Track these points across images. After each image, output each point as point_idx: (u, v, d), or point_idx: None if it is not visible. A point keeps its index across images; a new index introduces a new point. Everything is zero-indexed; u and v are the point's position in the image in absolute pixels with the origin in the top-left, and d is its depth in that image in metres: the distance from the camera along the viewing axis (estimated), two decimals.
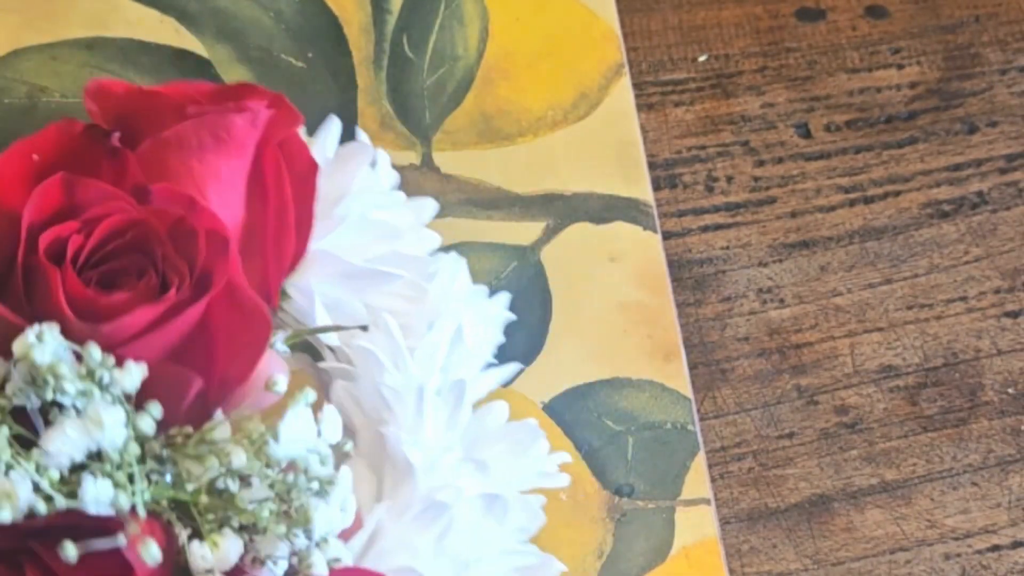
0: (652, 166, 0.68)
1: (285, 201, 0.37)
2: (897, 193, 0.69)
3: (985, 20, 0.75)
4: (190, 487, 0.31)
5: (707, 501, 0.53)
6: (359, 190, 0.41)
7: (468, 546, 0.38)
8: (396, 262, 0.41)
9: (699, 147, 0.70)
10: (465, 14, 0.66)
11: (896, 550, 0.58)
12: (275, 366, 0.35)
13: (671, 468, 0.54)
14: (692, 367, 0.62)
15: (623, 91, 0.64)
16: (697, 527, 0.53)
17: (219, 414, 0.33)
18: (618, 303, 0.58)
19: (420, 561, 0.36)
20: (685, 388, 0.56)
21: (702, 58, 0.73)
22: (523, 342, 0.57)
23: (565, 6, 0.67)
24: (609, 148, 0.62)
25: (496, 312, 0.46)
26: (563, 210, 0.60)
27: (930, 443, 0.61)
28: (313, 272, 0.39)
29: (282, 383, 0.33)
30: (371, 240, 0.40)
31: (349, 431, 0.39)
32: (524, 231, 0.59)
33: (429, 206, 0.44)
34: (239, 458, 0.31)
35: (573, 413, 0.55)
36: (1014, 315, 0.65)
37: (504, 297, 0.46)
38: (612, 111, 0.64)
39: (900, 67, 0.73)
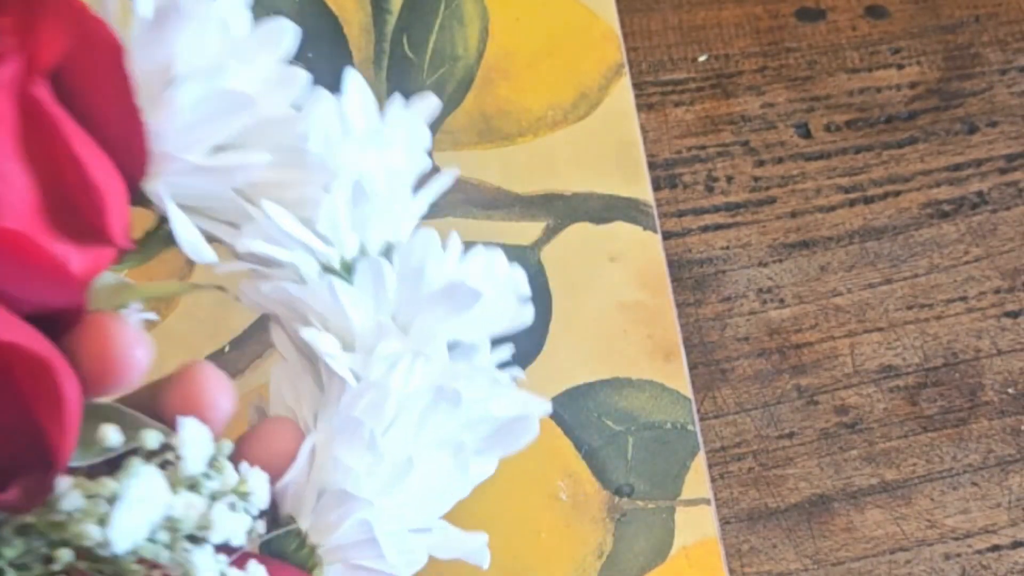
0: (652, 166, 0.68)
1: (66, 137, 0.30)
2: (897, 193, 0.69)
3: (985, 20, 0.75)
4: (58, 565, 0.27)
5: (707, 501, 0.53)
6: (189, 55, 0.33)
7: (414, 440, 0.33)
8: (261, 132, 0.34)
9: (699, 147, 0.70)
10: (465, 14, 0.66)
11: (896, 550, 0.58)
12: (134, 341, 0.29)
13: (671, 468, 0.54)
14: (692, 367, 0.62)
15: (623, 91, 0.64)
16: (697, 527, 0.53)
17: (63, 482, 0.27)
18: (618, 303, 0.58)
19: (351, 480, 0.32)
20: (685, 388, 0.56)
21: (702, 58, 0.73)
22: (523, 342, 0.57)
23: (565, 6, 0.67)
24: (609, 148, 0.62)
25: (416, 136, 0.38)
26: (563, 210, 0.60)
27: (930, 443, 0.61)
28: (163, 172, 0.33)
29: (114, 437, 0.28)
30: (223, 118, 0.34)
31: (274, 320, 0.35)
32: (524, 231, 0.59)
33: (286, 31, 0.36)
34: (91, 533, 0.27)
35: (573, 413, 0.55)
36: (1014, 315, 0.65)
37: (431, 104, 0.38)
38: (612, 111, 0.64)
39: (900, 67, 0.73)
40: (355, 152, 0.35)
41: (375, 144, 0.36)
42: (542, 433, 0.56)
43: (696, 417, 0.56)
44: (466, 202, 0.60)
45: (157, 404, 0.31)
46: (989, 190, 0.69)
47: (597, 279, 0.59)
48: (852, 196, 0.68)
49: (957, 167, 0.70)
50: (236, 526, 0.27)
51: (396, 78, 0.64)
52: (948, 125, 0.71)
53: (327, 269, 0.34)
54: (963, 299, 0.65)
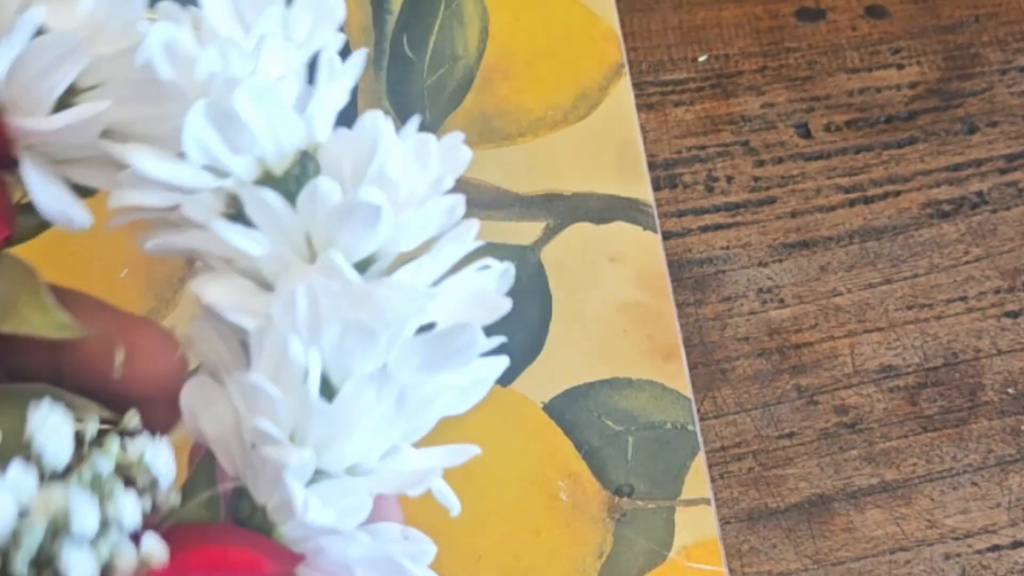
0: (652, 166, 0.68)
1: None
2: (897, 193, 0.69)
3: (985, 20, 0.75)
4: None
5: (707, 501, 0.53)
6: None
7: (329, 383, 0.29)
8: (106, 71, 0.29)
9: (699, 147, 0.70)
10: (465, 14, 0.66)
11: (896, 550, 0.58)
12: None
13: (671, 468, 0.54)
14: (692, 367, 0.62)
15: (623, 91, 0.64)
16: (697, 527, 0.52)
17: None
18: (618, 303, 0.58)
19: (268, 442, 0.28)
20: (685, 388, 0.56)
21: (702, 58, 0.73)
22: (523, 342, 0.57)
23: (565, 6, 0.67)
24: (609, 148, 0.62)
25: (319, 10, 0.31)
26: (563, 210, 0.60)
27: (930, 443, 0.61)
28: (18, 140, 0.29)
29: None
30: (52, 69, 0.28)
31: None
32: (524, 231, 0.59)
33: None
34: None
35: (573, 413, 0.55)
36: (1014, 315, 0.65)
37: None
38: (612, 111, 0.63)
39: (900, 67, 0.73)
40: (215, 64, 0.29)
41: (245, 49, 0.30)
42: (542, 433, 0.56)
43: (696, 417, 0.56)
44: (466, 202, 0.60)
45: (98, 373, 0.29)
46: (989, 190, 0.69)
47: (597, 279, 0.59)
48: (852, 196, 0.68)
49: (957, 167, 0.70)
50: (121, 508, 0.25)
51: (396, 78, 0.64)
52: (948, 125, 0.71)
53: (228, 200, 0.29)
54: (963, 299, 0.65)
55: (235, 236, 0.29)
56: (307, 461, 0.28)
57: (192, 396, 0.29)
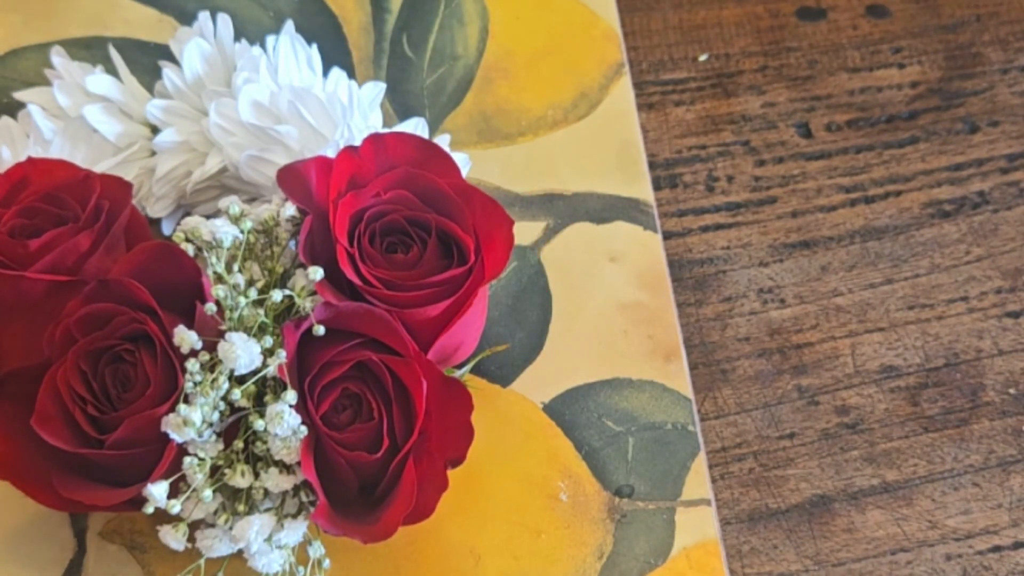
0: (652, 166, 0.68)
1: None
2: (898, 193, 0.69)
3: (986, 19, 0.75)
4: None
5: (707, 502, 0.53)
6: None
7: None
8: None
9: (700, 147, 0.69)
10: (465, 13, 0.66)
11: (897, 551, 0.58)
12: None
13: (671, 469, 0.54)
14: (693, 367, 0.62)
15: (623, 90, 0.64)
16: (698, 528, 0.52)
17: None
18: (618, 303, 0.58)
19: None
20: (686, 388, 0.56)
21: (703, 57, 0.73)
22: (523, 342, 0.57)
23: (565, 5, 0.67)
24: (609, 148, 0.62)
25: None
26: (563, 210, 0.60)
27: (931, 444, 0.61)
28: None
29: None
30: None
31: None
32: (524, 231, 0.59)
33: None
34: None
35: (573, 413, 0.55)
36: (1015, 315, 0.65)
37: None
38: (612, 111, 0.63)
39: (901, 66, 0.73)
40: None
41: None
42: (542, 433, 0.56)
43: (696, 418, 0.56)
44: None
45: None
46: (990, 190, 0.69)
47: (597, 279, 0.59)
48: (853, 196, 0.68)
49: (958, 167, 0.70)
50: None
51: (396, 77, 0.64)
52: (949, 125, 0.71)
53: None
54: (964, 299, 0.65)
55: None
56: None
57: None
